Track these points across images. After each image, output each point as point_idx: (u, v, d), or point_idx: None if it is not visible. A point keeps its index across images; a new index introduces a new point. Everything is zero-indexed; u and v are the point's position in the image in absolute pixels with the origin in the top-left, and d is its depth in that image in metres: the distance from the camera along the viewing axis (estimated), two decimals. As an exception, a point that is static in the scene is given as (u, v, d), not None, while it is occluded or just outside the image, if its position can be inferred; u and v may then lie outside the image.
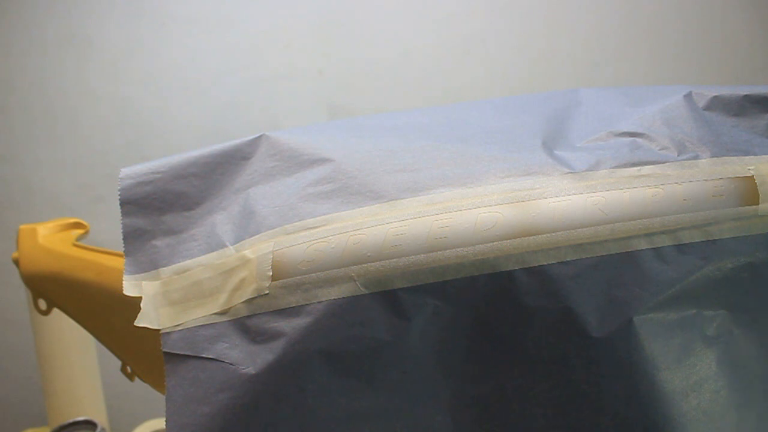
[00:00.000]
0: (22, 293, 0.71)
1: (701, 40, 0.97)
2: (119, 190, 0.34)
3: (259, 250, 0.31)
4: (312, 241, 0.30)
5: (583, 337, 0.29)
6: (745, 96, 0.34)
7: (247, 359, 0.30)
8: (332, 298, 0.29)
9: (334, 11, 0.95)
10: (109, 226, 0.75)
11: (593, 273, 0.29)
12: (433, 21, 0.96)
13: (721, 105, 0.34)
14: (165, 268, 0.33)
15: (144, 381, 0.47)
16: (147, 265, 0.34)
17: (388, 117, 0.39)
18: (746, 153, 0.31)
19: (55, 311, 0.50)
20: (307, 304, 0.29)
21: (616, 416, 0.30)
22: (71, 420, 0.70)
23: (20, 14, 0.92)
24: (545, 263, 0.29)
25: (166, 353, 0.31)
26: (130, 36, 0.93)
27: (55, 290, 0.48)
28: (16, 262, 0.50)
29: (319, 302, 0.29)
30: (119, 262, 0.43)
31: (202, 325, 0.31)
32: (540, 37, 0.97)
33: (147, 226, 0.34)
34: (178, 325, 0.31)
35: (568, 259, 0.29)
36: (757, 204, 0.30)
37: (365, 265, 0.29)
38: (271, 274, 0.30)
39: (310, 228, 0.30)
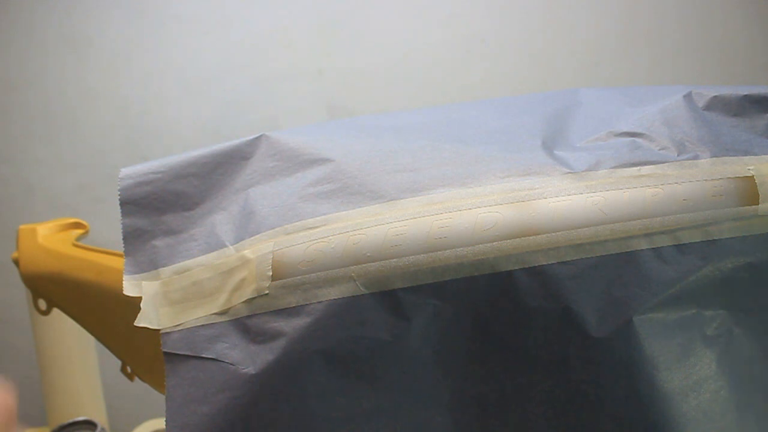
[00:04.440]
0: (22, 293, 0.71)
1: (701, 40, 0.97)
2: (119, 190, 0.34)
3: (259, 250, 0.31)
4: (312, 241, 0.30)
5: (583, 337, 0.29)
6: (745, 96, 0.34)
7: (247, 359, 0.30)
8: (332, 298, 0.29)
9: (334, 11, 0.95)
10: (109, 226, 0.75)
11: (593, 273, 0.29)
12: (434, 21, 0.96)
13: (720, 105, 0.34)
14: (165, 268, 0.33)
15: (144, 381, 0.47)
16: (147, 265, 0.34)
17: (388, 117, 0.39)
18: (746, 153, 0.31)
19: (55, 311, 0.50)
20: (307, 304, 0.29)
21: (616, 416, 0.30)
22: (71, 420, 0.70)
23: (20, 14, 0.92)
24: (545, 263, 0.29)
25: (166, 353, 0.31)
26: (130, 36, 0.93)
27: (55, 290, 0.48)
28: (16, 262, 0.50)
29: (319, 302, 0.29)
30: (119, 262, 0.43)
31: (202, 325, 0.31)
32: (540, 37, 0.97)
33: (147, 226, 0.34)
34: (178, 325, 0.31)
35: (568, 259, 0.29)
36: (757, 204, 0.30)
37: (365, 265, 0.29)
38: (271, 274, 0.30)
39: (310, 228, 0.30)
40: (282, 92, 0.96)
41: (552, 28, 0.97)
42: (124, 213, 0.34)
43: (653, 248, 0.29)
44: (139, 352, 0.45)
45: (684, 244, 0.30)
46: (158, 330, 0.32)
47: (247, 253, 0.31)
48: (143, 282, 0.33)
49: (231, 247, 0.32)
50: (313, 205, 0.31)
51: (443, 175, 0.31)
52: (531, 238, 0.29)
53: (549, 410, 0.31)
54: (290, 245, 0.30)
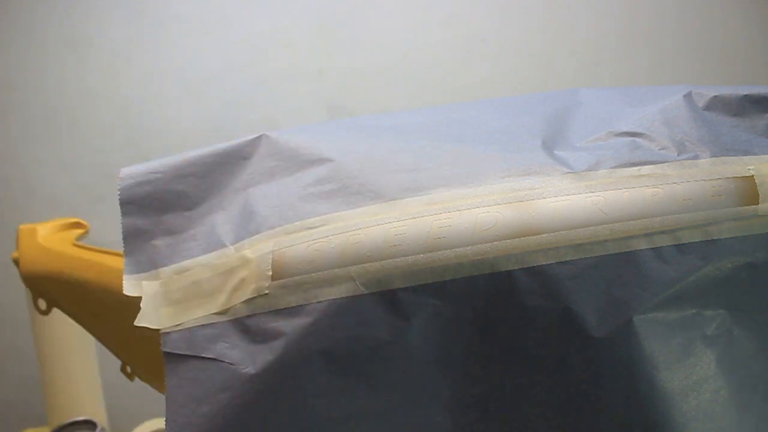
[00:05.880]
0: (22, 293, 0.71)
1: (701, 40, 0.97)
2: (119, 190, 0.34)
3: (259, 249, 0.31)
4: (312, 241, 0.30)
5: (583, 337, 0.29)
6: (745, 96, 0.34)
7: (247, 359, 0.30)
8: (332, 297, 0.29)
9: (334, 11, 0.95)
10: (109, 226, 0.75)
11: (593, 273, 0.29)
12: (434, 21, 0.96)
13: (720, 105, 0.34)
14: (165, 268, 0.33)
15: (144, 381, 0.47)
16: (147, 265, 0.34)
17: (388, 117, 0.39)
18: (746, 153, 0.31)
19: (55, 311, 0.50)
20: (307, 304, 0.29)
21: (616, 416, 0.30)
22: (71, 420, 0.70)
23: (20, 14, 0.92)
24: (545, 263, 0.29)
25: (166, 353, 0.31)
26: (130, 36, 0.93)
27: (55, 290, 0.48)
28: (16, 262, 0.50)
29: (319, 302, 0.29)
30: (119, 262, 0.43)
31: (202, 325, 0.31)
32: (540, 37, 0.97)
33: (147, 226, 0.34)
34: (178, 325, 0.31)
35: (568, 259, 0.29)
36: (757, 204, 0.30)
37: (365, 265, 0.29)
38: (270, 273, 0.30)
39: (310, 228, 0.30)
40: (282, 92, 0.96)
41: (552, 28, 0.97)
42: (124, 213, 0.34)
43: (653, 248, 0.29)
44: (139, 352, 0.45)
45: (684, 244, 0.30)
46: (158, 330, 0.32)
47: (247, 252, 0.31)
48: (143, 282, 0.33)
49: (231, 246, 0.32)
50: (313, 205, 0.31)
51: (443, 175, 0.31)
52: (531, 238, 0.29)
53: (549, 410, 0.31)
54: (290, 245, 0.30)
